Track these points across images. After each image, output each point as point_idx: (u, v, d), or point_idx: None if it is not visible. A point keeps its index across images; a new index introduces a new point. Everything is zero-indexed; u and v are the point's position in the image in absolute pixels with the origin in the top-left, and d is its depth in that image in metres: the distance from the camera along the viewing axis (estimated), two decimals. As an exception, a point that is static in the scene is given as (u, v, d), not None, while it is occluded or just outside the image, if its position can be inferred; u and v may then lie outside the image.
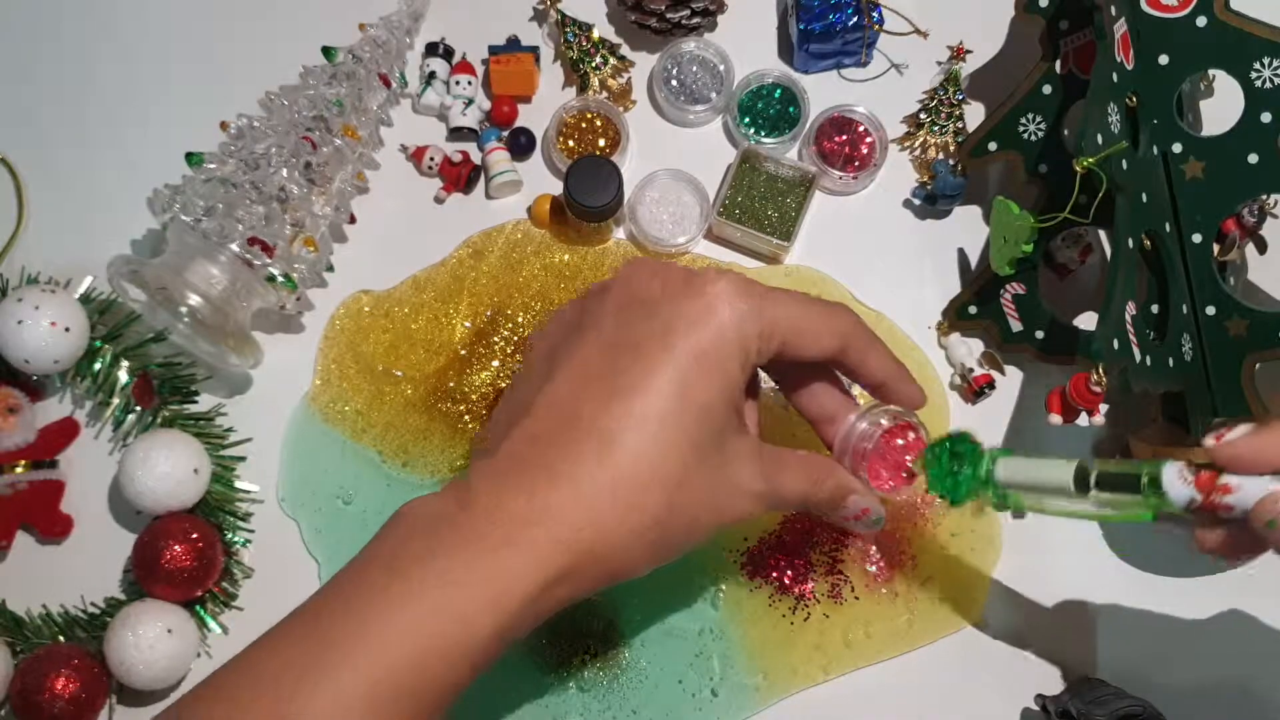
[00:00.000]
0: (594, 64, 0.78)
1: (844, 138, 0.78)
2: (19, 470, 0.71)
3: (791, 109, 0.78)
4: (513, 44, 0.79)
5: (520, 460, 0.53)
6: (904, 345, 0.76)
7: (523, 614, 0.50)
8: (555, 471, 0.51)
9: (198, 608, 0.71)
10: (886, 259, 0.78)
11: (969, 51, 0.78)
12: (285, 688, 0.47)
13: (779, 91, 0.78)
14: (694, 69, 0.78)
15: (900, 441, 0.61)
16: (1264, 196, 0.69)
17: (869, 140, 0.78)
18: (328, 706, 0.47)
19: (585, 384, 0.53)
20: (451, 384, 0.75)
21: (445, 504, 0.53)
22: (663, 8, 0.76)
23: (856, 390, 0.67)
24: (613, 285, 0.57)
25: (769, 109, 0.78)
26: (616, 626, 0.72)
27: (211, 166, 0.70)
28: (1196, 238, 0.64)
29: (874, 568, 0.73)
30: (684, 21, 0.78)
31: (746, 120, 0.78)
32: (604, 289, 0.57)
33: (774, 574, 0.73)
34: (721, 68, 0.78)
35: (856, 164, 0.77)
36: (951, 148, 0.78)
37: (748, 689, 0.71)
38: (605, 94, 0.79)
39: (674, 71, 0.78)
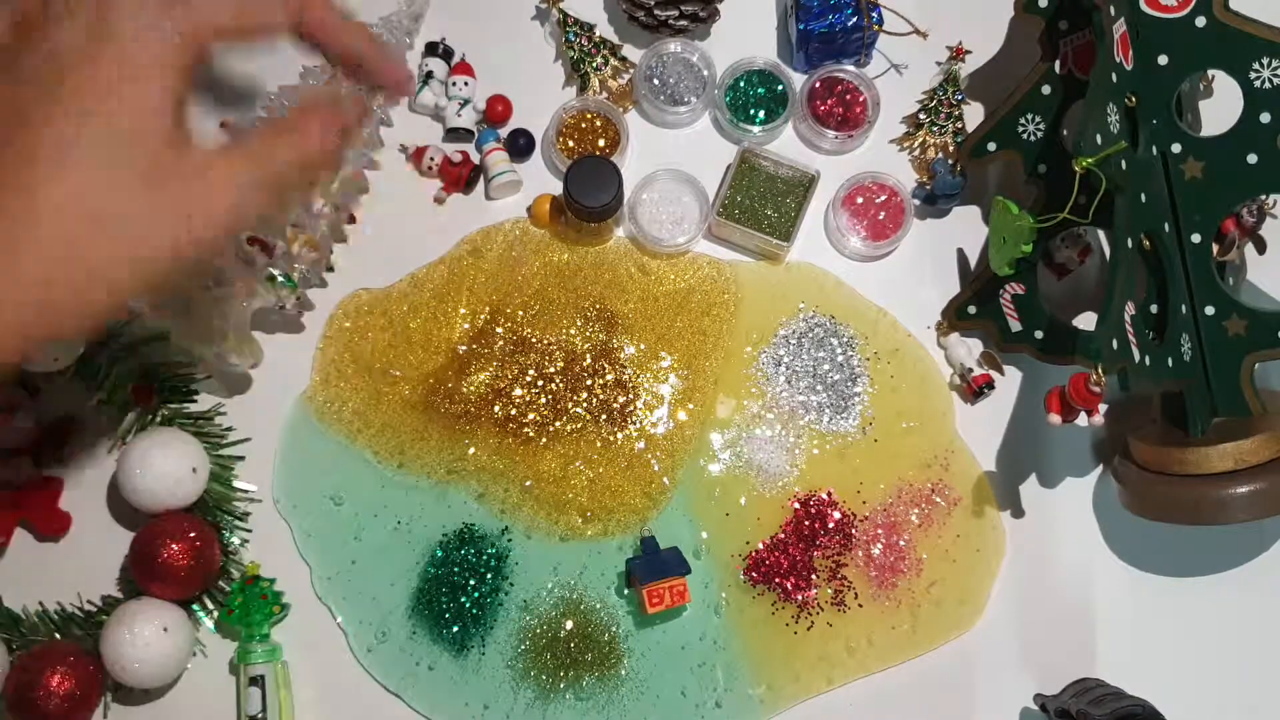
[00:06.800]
0: (594, 64, 0.78)
1: (835, 99, 0.78)
2: (17, 467, 0.71)
3: (779, 87, 0.78)
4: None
5: None
6: (905, 344, 0.76)
7: None
8: None
9: (194, 606, 0.71)
10: (886, 259, 0.78)
11: (968, 52, 0.78)
12: None
13: (759, 74, 0.78)
14: (678, 70, 0.78)
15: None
16: (1263, 196, 0.69)
17: (861, 99, 0.78)
18: None
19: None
20: (450, 384, 0.75)
21: None
22: (651, 2, 0.76)
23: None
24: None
25: (751, 90, 0.78)
26: (615, 634, 0.72)
27: (211, 166, 0.70)
28: (1196, 238, 0.64)
29: (877, 573, 0.73)
30: (671, 21, 0.78)
31: (730, 99, 0.78)
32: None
33: (776, 579, 0.72)
34: (705, 72, 0.78)
35: (851, 124, 0.78)
36: (951, 148, 0.78)
37: (752, 700, 0.71)
38: (605, 94, 0.79)
39: (657, 70, 0.78)
